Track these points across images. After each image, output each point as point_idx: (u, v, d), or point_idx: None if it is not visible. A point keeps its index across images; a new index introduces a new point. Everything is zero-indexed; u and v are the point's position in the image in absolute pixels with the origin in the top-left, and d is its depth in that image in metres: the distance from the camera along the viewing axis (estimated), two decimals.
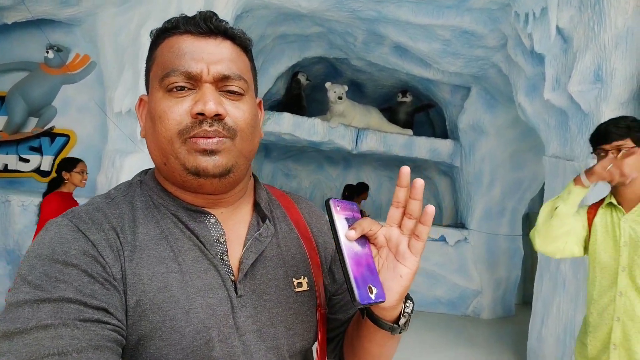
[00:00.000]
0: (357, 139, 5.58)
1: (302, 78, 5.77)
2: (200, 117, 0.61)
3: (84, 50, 4.07)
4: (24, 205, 3.73)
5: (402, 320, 0.64)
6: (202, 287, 0.62)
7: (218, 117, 0.61)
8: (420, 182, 0.58)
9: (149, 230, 0.63)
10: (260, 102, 0.75)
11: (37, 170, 4.21)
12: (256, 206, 0.73)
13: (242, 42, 0.67)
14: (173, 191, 0.67)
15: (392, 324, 0.64)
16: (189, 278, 0.62)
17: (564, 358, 3.04)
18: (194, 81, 0.62)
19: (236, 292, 0.64)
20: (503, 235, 5.38)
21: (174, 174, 0.64)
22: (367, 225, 0.60)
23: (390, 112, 6.04)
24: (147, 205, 0.66)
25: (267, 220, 0.71)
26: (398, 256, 0.60)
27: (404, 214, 0.60)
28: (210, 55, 0.63)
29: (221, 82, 0.63)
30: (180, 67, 0.62)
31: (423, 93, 6.00)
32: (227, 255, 0.65)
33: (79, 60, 4.10)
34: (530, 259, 5.86)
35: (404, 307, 0.64)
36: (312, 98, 6.36)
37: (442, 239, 5.43)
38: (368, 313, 0.65)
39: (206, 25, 0.63)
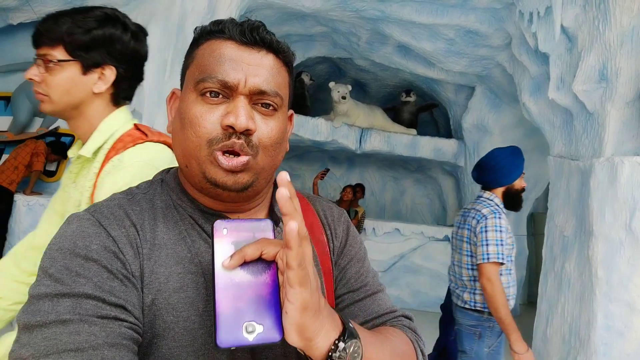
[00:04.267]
0: (360, 138, 5.58)
1: (305, 78, 5.78)
2: (230, 130, 0.61)
3: None
4: (30, 205, 3.75)
5: None
6: None
7: (247, 132, 0.61)
8: (281, 192, 0.46)
9: (169, 230, 0.64)
10: (292, 114, 0.74)
11: (43, 170, 4.23)
12: (271, 210, 0.73)
13: (285, 58, 0.67)
14: (192, 193, 0.67)
15: None
16: (204, 280, 0.62)
17: (569, 358, 3.03)
18: (229, 90, 0.62)
19: None
20: None
21: (193, 177, 0.64)
22: (252, 249, 0.51)
23: (394, 112, 6.03)
24: (167, 205, 0.67)
25: (280, 224, 0.70)
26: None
27: None
28: (250, 67, 0.62)
29: (256, 96, 0.63)
30: (218, 75, 0.61)
31: (427, 93, 5.99)
32: None
33: None
34: (534, 258, 5.84)
35: (332, 348, 0.51)
36: (316, 98, 6.37)
37: (447, 239, 5.41)
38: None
39: (252, 35, 0.63)
